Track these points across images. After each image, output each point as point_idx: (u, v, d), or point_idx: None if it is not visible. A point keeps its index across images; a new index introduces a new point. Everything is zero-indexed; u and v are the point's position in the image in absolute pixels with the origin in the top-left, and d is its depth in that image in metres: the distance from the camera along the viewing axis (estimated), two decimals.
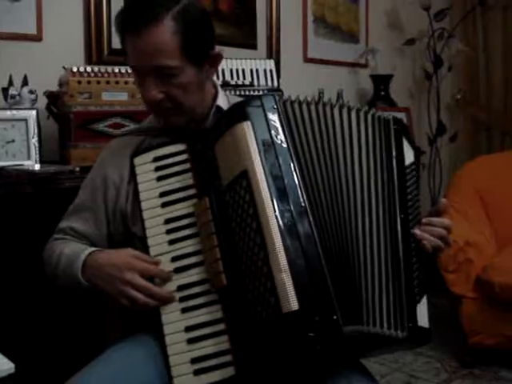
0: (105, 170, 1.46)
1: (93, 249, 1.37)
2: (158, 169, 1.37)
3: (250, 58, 2.83)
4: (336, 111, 1.32)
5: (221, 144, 1.29)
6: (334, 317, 1.13)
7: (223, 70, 2.73)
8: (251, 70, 2.79)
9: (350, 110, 1.33)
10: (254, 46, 3.20)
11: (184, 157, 1.36)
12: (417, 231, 1.29)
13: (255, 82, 2.75)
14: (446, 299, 3.07)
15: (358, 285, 1.20)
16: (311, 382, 1.25)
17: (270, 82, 2.80)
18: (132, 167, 1.39)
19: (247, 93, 2.59)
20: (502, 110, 4.21)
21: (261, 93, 2.61)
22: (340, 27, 3.71)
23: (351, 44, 3.79)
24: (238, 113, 1.28)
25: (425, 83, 4.08)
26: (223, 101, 1.48)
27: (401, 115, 3.60)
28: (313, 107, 1.31)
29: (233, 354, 1.21)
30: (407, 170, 1.34)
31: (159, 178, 1.36)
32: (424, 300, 1.26)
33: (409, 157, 1.37)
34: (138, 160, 1.39)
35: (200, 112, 1.44)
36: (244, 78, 2.75)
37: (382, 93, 3.69)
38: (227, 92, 1.58)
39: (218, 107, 1.45)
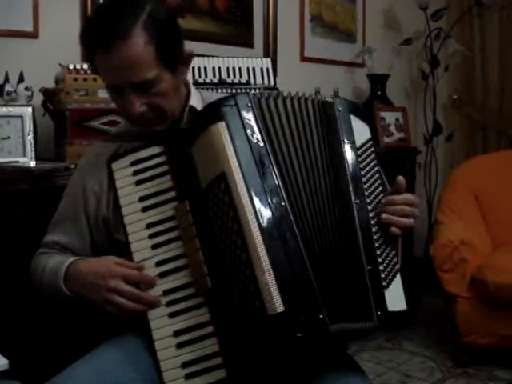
0: (84, 181, 1.44)
1: (74, 258, 1.36)
2: (136, 173, 1.34)
3: (247, 57, 2.83)
4: (309, 104, 1.31)
5: (197, 145, 1.27)
6: (321, 316, 1.13)
7: (219, 68, 2.72)
8: (248, 69, 2.78)
9: (313, 101, 1.32)
10: (250, 45, 3.20)
11: (162, 159, 1.34)
12: (383, 215, 1.27)
13: (251, 81, 2.75)
14: (441, 298, 3.07)
15: (338, 281, 1.19)
16: (301, 382, 1.25)
17: (266, 81, 2.80)
18: (110, 173, 1.37)
19: (243, 91, 2.59)
20: (498, 110, 4.22)
21: (257, 91, 2.61)
22: (337, 26, 3.72)
23: (348, 43, 3.79)
24: (213, 113, 1.25)
25: (421, 83, 4.08)
26: (197, 100, 1.45)
27: (397, 115, 3.61)
28: (288, 101, 1.30)
29: (223, 357, 1.20)
30: (361, 149, 1.33)
31: (138, 182, 1.34)
32: (398, 281, 1.24)
33: (363, 134, 1.35)
34: (115, 165, 1.37)
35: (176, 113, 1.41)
36: (240, 77, 2.75)
37: (379, 92, 3.69)
38: (205, 92, 1.55)
39: (192, 107, 1.42)
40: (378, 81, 3.70)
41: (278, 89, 2.71)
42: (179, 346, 1.23)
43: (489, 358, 2.91)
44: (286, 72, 3.29)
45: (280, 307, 1.10)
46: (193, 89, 1.47)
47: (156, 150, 1.35)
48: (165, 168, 1.33)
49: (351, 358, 1.39)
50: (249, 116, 1.24)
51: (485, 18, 4.21)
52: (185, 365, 1.21)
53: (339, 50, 3.73)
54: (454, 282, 2.85)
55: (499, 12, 4.15)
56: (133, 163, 1.35)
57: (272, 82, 2.81)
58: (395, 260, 1.26)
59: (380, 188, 1.33)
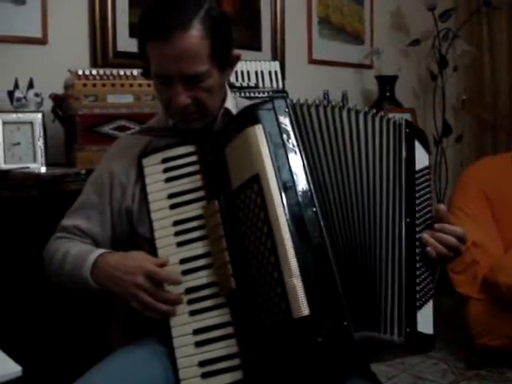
0: (112, 169, 1.45)
1: (103, 250, 1.36)
2: (166, 170, 1.36)
3: (255, 60, 2.83)
4: (345, 114, 1.30)
5: (232, 147, 1.29)
6: (345, 323, 1.12)
7: None
8: (256, 72, 2.79)
9: (357, 112, 1.31)
10: (258, 48, 3.20)
11: (193, 158, 1.36)
12: (424, 236, 1.25)
13: (260, 84, 2.75)
14: (453, 300, 3.06)
15: (368, 290, 1.18)
16: None
17: (274, 84, 2.80)
18: (140, 168, 1.39)
19: (252, 94, 2.59)
20: (508, 110, 4.19)
21: (266, 94, 2.61)
22: (345, 28, 3.71)
23: (356, 45, 3.78)
24: (250, 116, 1.27)
25: (430, 84, 4.07)
26: (231, 103, 1.47)
27: (406, 116, 3.59)
28: (321, 110, 1.29)
29: (241, 358, 1.20)
30: (419, 173, 1.30)
31: (168, 180, 1.35)
32: (429, 306, 1.22)
33: (422, 161, 1.33)
34: (146, 161, 1.39)
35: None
36: (249, 80, 2.75)
37: (388, 94, 3.68)
38: (234, 94, 1.56)
39: (226, 109, 1.44)
40: (386, 82, 3.70)
41: (286, 92, 2.70)
42: (198, 344, 1.23)
43: (501, 359, 2.90)
44: (295, 75, 3.29)
45: (306, 311, 1.11)
46: (229, 92, 1.49)
47: (188, 149, 1.37)
48: (196, 167, 1.35)
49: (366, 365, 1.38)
50: (285, 121, 1.26)
51: (493, 18, 4.20)
52: (202, 364, 1.22)
53: (347, 52, 3.72)
54: (466, 283, 2.84)
55: (508, 11, 4.14)
56: (164, 160, 1.37)
57: (280, 85, 2.81)
58: (431, 285, 1.24)
59: (429, 215, 1.30)
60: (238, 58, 1.43)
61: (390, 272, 1.20)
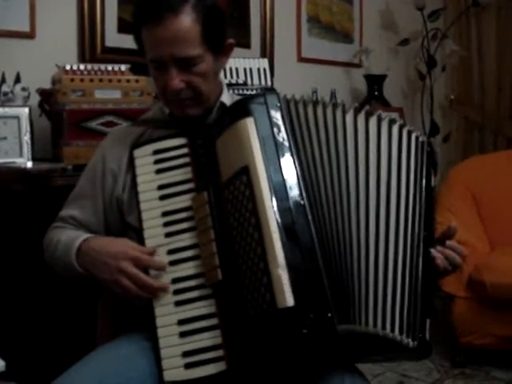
0: (104, 157, 1.47)
1: (87, 235, 1.37)
2: (157, 162, 1.38)
3: (244, 57, 2.83)
4: (349, 117, 1.29)
5: (222, 139, 1.30)
6: (329, 314, 1.13)
7: None
8: (245, 69, 2.78)
9: (356, 113, 1.30)
10: (247, 45, 3.19)
11: (184, 151, 1.37)
12: (433, 250, 1.26)
13: (249, 81, 2.75)
14: (438, 299, 3.07)
15: (355, 285, 1.18)
16: (303, 379, 1.24)
17: (263, 81, 2.80)
18: (131, 159, 1.40)
19: (241, 92, 2.58)
20: (495, 111, 4.22)
21: (254, 92, 2.61)
22: (334, 27, 3.71)
23: (345, 44, 3.79)
24: (242, 109, 1.28)
25: (418, 83, 4.08)
26: (227, 98, 1.49)
27: (394, 115, 3.59)
28: (320, 109, 1.29)
29: (225, 349, 1.21)
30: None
31: (158, 171, 1.37)
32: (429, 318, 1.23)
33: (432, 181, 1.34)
34: (137, 152, 1.40)
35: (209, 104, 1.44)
36: (238, 77, 2.74)
37: (376, 93, 3.69)
38: (231, 92, 1.57)
39: (222, 103, 1.46)
40: (375, 81, 3.70)
41: (275, 89, 2.70)
42: (182, 335, 1.24)
43: (486, 358, 2.92)
44: (283, 72, 3.29)
45: (290, 301, 1.11)
46: (225, 88, 1.51)
47: (180, 141, 1.38)
48: (186, 160, 1.36)
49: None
50: (277, 115, 1.27)
51: (482, 18, 4.22)
52: (186, 354, 1.22)
53: (336, 51, 3.72)
54: (452, 282, 2.84)
55: (496, 12, 4.16)
56: (155, 152, 1.39)
57: (269, 83, 2.81)
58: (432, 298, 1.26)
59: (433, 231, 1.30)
60: (232, 46, 1.45)
61: (407, 277, 1.20)
